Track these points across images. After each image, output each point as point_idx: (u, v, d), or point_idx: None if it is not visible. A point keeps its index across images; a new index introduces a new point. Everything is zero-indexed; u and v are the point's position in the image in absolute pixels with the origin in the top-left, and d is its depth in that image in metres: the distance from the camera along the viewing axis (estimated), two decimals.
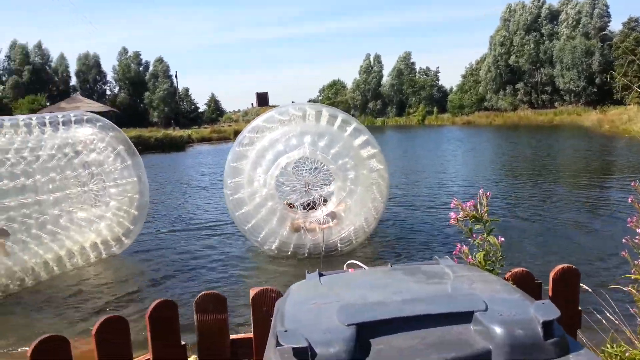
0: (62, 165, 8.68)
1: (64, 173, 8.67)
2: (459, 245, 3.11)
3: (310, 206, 9.41)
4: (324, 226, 8.76)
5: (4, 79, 73.56)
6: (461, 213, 3.12)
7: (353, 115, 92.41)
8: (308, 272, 2.11)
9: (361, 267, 2.50)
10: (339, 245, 8.86)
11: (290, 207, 9.51)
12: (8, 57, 74.60)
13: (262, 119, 9.39)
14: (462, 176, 18.90)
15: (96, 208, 9.48)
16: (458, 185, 16.48)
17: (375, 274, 2.02)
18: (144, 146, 40.78)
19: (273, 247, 8.83)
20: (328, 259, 8.65)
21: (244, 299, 6.86)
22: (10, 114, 39.56)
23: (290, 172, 9.11)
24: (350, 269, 2.42)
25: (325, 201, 9.50)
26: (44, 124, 8.65)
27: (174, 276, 8.47)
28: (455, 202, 3.04)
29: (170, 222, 12.92)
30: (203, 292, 2.59)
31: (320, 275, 2.03)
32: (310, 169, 9.37)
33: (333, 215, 9.21)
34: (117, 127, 9.69)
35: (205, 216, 13.45)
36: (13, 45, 74.75)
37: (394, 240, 10.05)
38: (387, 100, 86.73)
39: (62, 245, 8.63)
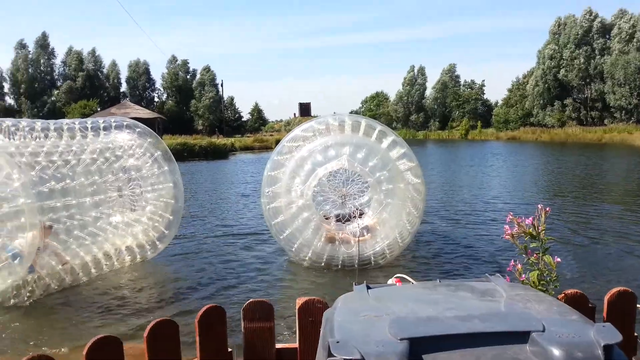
0: (102, 169, 8.85)
1: (104, 177, 8.86)
2: (513, 262, 3.00)
3: (345, 218, 9.37)
4: (359, 239, 8.70)
5: (58, 83, 76.68)
6: (516, 228, 3.02)
7: (394, 128, 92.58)
8: (356, 284, 2.07)
9: (409, 281, 2.46)
10: (372, 258, 8.80)
11: (326, 219, 9.47)
12: (64, 62, 77.77)
13: (301, 128, 9.43)
14: (507, 193, 18.43)
15: (133, 212, 9.61)
16: (502, 202, 16.06)
17: (424, 289, 1.98)
18: (188, 153, 41.92)
19: (307, 258, 8.81)
20: (362, 271, 8.58)
21: (280, 308, 6.82)
22: (64, 118, 41.21)
23: (325, 183, 9.17)
24: (397, 282, 2.36)
25: (361, 214, 9.43)
26: (87, 129, 8.84)
27: (208, 282, 8.48)
28: (510, 217, 2.94)
29: (209, 228, 13.06)
30: (251, 300, 2.60)
31: (368, 287, 2.00)
32: (346, 180, 9.35)
33: (367, 229, 9.15)
34: (155, 134, 9.85)
35: (243, 224, 13.54)
36: (69, 51, 77.94)
37: (437, 255, 9.86)
38: (430, 114, 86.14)
39: (101, 247, 8.76)
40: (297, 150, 9.12)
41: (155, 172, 9.55)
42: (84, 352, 2.16)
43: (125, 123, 9.45)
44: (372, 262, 8.82)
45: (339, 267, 8.81)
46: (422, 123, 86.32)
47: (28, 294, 7.55)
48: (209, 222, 13.88)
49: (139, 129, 9.57)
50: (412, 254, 9.95)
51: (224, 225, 13.35)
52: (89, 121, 9.10)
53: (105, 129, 9.18)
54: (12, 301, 7.42)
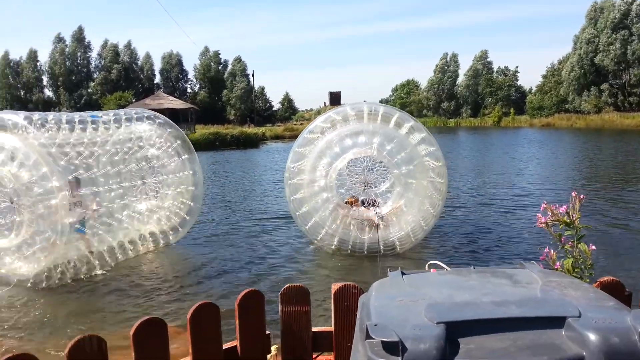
0: (126, 158, 9.11)
1: (129, 166, 9.10)
2: (547, 249, 2.95)
3: (365, 204, 9.51)
4: (379, 221, 8.89)
5: (95, 76, 78.44)
6: (550, 216, 2.97)
7: (425, 116, 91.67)
8: (390, 270, 2.09)
9: (443, 267, 2.45)
10: (397, 244, 8.99)
11: (352, 203, 9.61)
12: (100, 55, 79.46)
13: (334, 111, 9.62)
14: (543, 180, 18.02)
15: (155, 199, 9.89)
16: (537, 189, 15.72)
17: (459, 275, 1.98)
18: (221, 143, 42.27)
19: (319, 238, 9.10)
20: (388, 258, 8.67)
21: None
22: (100, 109, 42.19)
23: (346, 168, 9.32)
24: (432, 269, 2.36)
25: (373, 203, 9.54)
26: (110, 121, 9.15)
27: (232, 268, 8.61)
28: (545, 205, 2.89)
29: (238, 214, 13.34)
30: (288, 285, 2.66)
31: (403, 273, 2.01)
32: (367, 167, 9.40)
33: (383, 217, 9.31)
34: (175, 124, 10.18)
35: (270, 210, 13.75)
36: (105, 44, 79.56)
37: (469, 242, 9.81)
38: (462, 101, 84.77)
39: (127, 233, 9.06)
40: (328, 132, 9.27)
41: (176, 160, 9.85)
42: (131, 333, 2.23)
43: (145, 115, 9.80)
44: (398, 248, 8.97)
45: (349, 251, 9.03)
46: (453, 110, 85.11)
47: (60, 275, 7.82)
48: (236, 208, 14.12)
49: (159, 120, 9.96)
50: (444, 241, 9.88)
51: (249, 211, 13.61)
52: (111, 113, 9.40)
53: (127, 120, 9.46)
54: (44, 283, 7.70)
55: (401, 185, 8.94)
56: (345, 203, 9.56)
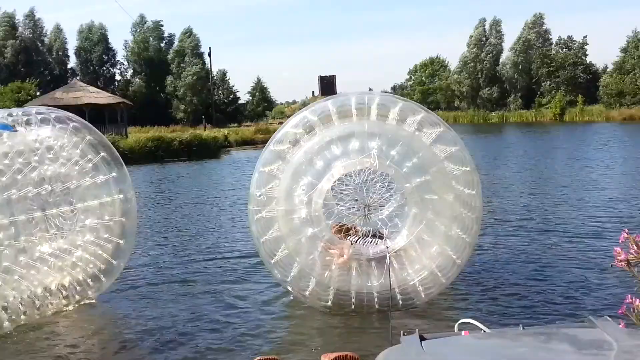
0: (21, 180, 8.84)
1: (23, 190, 8.88)
2: (629, 298, 2.95)
3: (369, 236, 9.48)
4: (389, 258, 8.94)
5: None
6: (634, 251, 3.00)
7: (458, 108, 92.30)
8: (405, 334, 2.09)
9: (480, 328, 2.44)
10: (420, 289, 9.02)
11: (341, 232, 9.65)
12: None
13: (310, 110, 9.62)
14: (624, 196, 18.20)
15: (66, 237, 9.74)
16: (616, 212, 15.87)
17: (502, 339, 2.01)
18: (165, 152, 42.82)
19: (307, 292, 9.09)
20: (399, 314, 8.73)
21: None
22: None
23: (335, 189, 9.41)
24: (463, 331, 2.36)
25: (379, 234, 9.55)
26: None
27: (186, 333, 8.63)
28: (626, 235, 2.91)
29: (190, 253, 13.47)
30: (259, 358, 2.66)
31: (422, 338, 2.01)
32: (365, 184, 9.48)
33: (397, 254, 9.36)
34: (96, 129, 10.11)
35: (235, 246, 13.94)
36: None
37: (517, 287, 9.91)
38: (508, 86, 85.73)
39: (22, 289, 8.85)
40: (304, 140, 9.26)
41: (97, 180, 9.74)
42: None
43: (53, 115, 9.61)
44: (422, 295, 9.03)
45: (375, 305, 9.00)
46: (497, 100, 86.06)
47: None
48: (191, 246, 14.25)
49: (74, 123, 9.71)
50: (482, 286, 9.96)
51: (210, 248, 13.77)
52: (5, 112, 9.29)
53: (26, 123, 9.30)
54: None
55: (416, 204, 8.97)
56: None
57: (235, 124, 74.02)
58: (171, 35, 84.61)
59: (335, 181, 8.99)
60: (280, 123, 10.99)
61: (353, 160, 8.88)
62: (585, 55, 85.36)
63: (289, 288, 9.46)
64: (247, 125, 69.78)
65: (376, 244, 9.41)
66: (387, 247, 9.05)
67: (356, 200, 9.45)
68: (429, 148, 9.12)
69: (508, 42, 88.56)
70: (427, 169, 8.91)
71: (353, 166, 8.95)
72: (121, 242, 10.06)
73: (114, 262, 10.09)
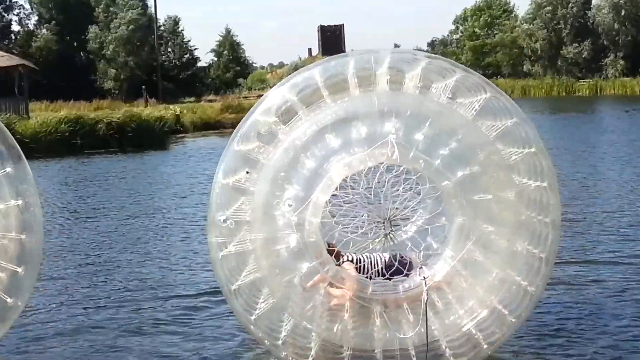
0: None
1: None
2: None
3: (393, 268, 9.33)
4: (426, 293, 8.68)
5: None
6: None
7: (528, 74, 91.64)
8: None
9: None
10: (479, 337, 8.89)
11: (343, 261, 9.50)
12: None
13: (288, 86, 9.40)
14: None
15: None
16: None
17: None
18: (86, 139, 42.84)
19: (311, 357, 8.93)
20: None
21: None
22: None
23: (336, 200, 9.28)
24: None
25: (406, 264, 9.41)
26: None
27: None
28: None
29: (110, 288, 13.67)
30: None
31: None
32: (381, 187, 9.21)
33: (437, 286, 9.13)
34: None
35: (193, 279, 14.13)
36: None
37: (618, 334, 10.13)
38: (606, 42, 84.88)
39: None
40: (283, 132, 9.07)
41: None
42: None
43: None
44: (483, 345, 8.94)
45: None
46: (586, 62, 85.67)
47: None
48: (128, 277, 14.45)
49: None
50: (569, 333, 10.24)
51: (157, 283, 13.92)
52: None
53: None
54: None
55: (461, 209, 8.70)
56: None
57: (193, 99, 73.60)
58: None
59: (336, 188, 8.80)
60: (260, 96, 10.41)
61: (360, 154, 8.66)
62: None
63: (281, 354, 9.24)
64: (211, 101, 69.21)
65: (406, 275, 9.28)
66: (424, 278, 8.79)
67: (369, 214, 9.29)
68: (473, 125, 8.88)
69: None
70: (473, 157, 8.72)
71: (361, 163, 8.70)
72: (19, 270, 9.83)
73: (9, 300, 9.83)
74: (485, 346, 8.86)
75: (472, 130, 8.85)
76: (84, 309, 12.53)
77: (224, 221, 9.00)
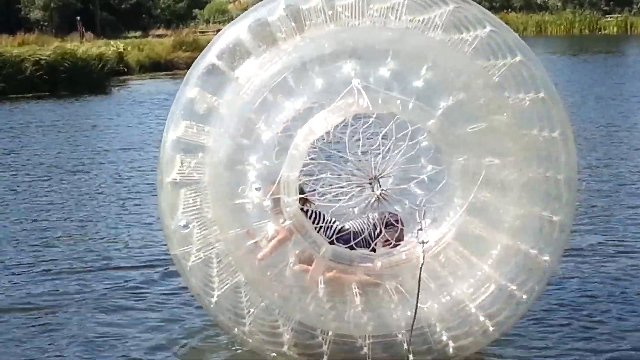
0: None
1: None
2: None
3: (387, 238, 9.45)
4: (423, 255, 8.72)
5: None
6: None
7: (544, 6, 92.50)
8: None
9: None
10: (480, 316, 9.02)
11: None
12: None
13: (256, 16, 9.38)
14: None
15: None
16: None
17: None
18: (9, 80, 42.67)
19: (285, 347, 9.07)
20: None
21: None
22: None
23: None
24: None
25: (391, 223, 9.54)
26: None
27: None
28: None
29: (39, 260, 13.81)
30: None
31: None
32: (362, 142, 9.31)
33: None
34: None
35: (119, 250, 14.33)
36: None
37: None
38: None
39: None
40: (249, 72, 9.10)
41: None
42: None
43: None
44: (490, 328, 9.07)
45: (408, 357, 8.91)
46: None
47: None
48: (47, 246, 14.65)
49: None
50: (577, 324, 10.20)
51: (82, 253, 14.14)
52: None
53: None
54: None
55: (456, 147, 8.90)
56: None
57: (139, 33, 73.59)
58: None
59: (315, 141, 8.95)
60: (220, 31, 10.32)
61: (321, 112, 8.79)
62: None
63: (238, 334, 9.34)
64: (160, 36, 69.25)
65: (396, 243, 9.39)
66: (424, 242, 8.84)
67: (352, 175, 9.23)
68: (443, 45, 8.94)
69: None
70: (452, 83, 8.81)
71: (326, 122, 8.76)
72: None
73: None
74: (490, 329, 9.00)
75: (444, 52, 8.93)
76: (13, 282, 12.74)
77: (184, 227, 8.98)
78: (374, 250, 9.46)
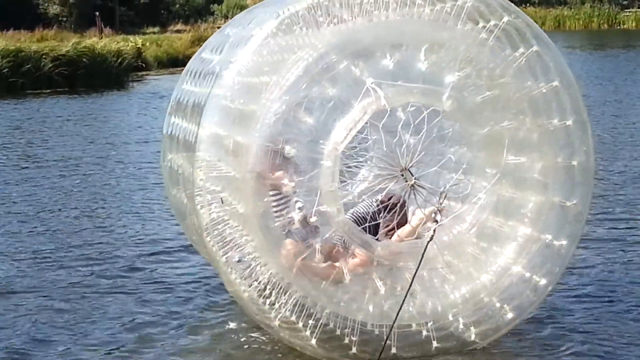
0: None
1: None
2: None
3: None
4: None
5: None
6: None
7: (564, 0, 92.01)
8: None
9: None
10: (497, 303, 9.07)
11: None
12: None
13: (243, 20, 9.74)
14: None
15: None
16: None
17: None
18: (27, 77, 42.46)
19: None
20: None
21: None
22: None
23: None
24: None
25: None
26: None
27: None
28: None
29: (53, 250, 13.96)
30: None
31: None
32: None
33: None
34: None
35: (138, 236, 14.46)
36: None
37: None
38: None
39: None
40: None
41: None
42: None
43: None
44: (508, 314, 9.16)
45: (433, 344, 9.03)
46: None
47: None
48: (61, 236, 14.87)
49: None
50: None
51: (99, 244, 14.25)
52: None
53: None
54: None
55: (479, 120, 9.03)
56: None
57: (157, 29, 73.46)
58: None
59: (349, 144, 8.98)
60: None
61: (344, 119, 8.64)
62: None
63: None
64: (179, 31, 69.14)
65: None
66: (439, 206, 8.93)
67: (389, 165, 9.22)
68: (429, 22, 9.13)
69: None
70: (455, 55, 8.92)
71: (353, 124, 8.68)
72: None
73: None
74: (510, 315, 9.15)
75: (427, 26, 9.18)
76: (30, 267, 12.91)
77: (239, 261, 8.97)
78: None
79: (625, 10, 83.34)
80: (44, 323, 10.68)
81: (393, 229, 9.42)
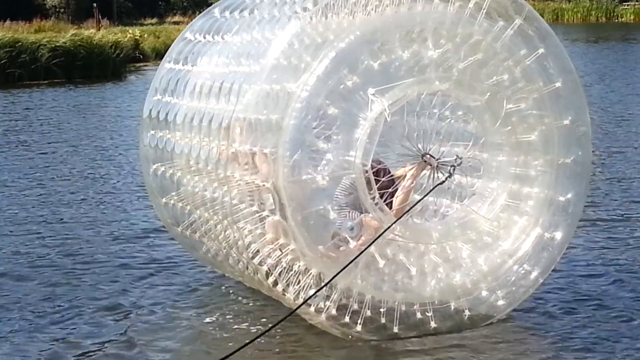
0: None
1: None
2: None
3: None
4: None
5: None
6: None
7: None
8: None
9: None
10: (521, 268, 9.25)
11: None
12: None
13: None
14: None
15: None
16: None
17: None
18: (25, 68, 42.51)
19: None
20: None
21: None
22: None
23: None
24: None
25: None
26: None
27: None
28: None
29: (49, 238, 14.04)
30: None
31: None
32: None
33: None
34: None
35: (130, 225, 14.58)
36: None
37: None
38: None
39: None
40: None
41: None
42: None
43: None
44: (532, 275, 9.41)
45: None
46: None
47: None
48: (58, 225, 15.00)
49: None
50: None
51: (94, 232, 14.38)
52: None
53: None
54: None
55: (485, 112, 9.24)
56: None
57: (155, 20, 73.33)
58: None
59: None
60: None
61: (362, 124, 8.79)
62: None
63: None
64: (177, 23, 69.04)
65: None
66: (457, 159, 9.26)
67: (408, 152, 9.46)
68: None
69: None
70: (450, 36, 9.06)
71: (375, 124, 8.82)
72: None
73: None
74: (534, 274, 9.57)
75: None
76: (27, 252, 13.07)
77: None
78: None
79: (624, 3, 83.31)
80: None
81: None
